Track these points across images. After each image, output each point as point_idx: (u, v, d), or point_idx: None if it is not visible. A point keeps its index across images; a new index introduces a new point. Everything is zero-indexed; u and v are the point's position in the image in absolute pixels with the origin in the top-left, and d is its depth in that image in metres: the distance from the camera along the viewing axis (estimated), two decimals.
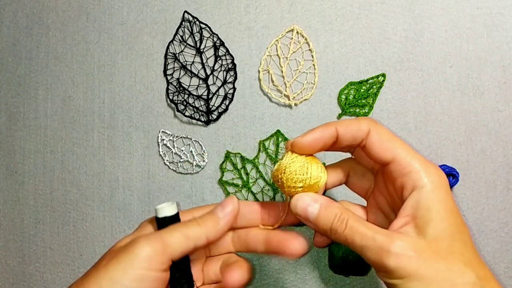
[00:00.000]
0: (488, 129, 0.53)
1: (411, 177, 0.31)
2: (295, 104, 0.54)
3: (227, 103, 0.54)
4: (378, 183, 0.35)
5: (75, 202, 0.55)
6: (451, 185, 0.51)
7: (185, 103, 0.54)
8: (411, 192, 0.31)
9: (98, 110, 0.56)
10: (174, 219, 0.33)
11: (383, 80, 0.54)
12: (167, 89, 0.55)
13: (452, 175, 0.51)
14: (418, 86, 0.54)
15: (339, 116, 0.54)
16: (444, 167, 0.52)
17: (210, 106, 0.54)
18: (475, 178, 0.52)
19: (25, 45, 0.58)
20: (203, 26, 0.55)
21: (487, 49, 0.54)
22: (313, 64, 0.54)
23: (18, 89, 0.57)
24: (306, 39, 0.55)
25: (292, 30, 0.55)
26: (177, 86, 0.55)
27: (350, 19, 0.55)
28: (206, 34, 0.55)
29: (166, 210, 0.33)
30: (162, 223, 0.33)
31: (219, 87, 0.55)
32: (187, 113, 0.54)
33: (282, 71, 0.54)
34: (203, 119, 0.54)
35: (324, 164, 0.35)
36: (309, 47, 0.54)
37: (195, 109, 0.54)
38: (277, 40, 0.55)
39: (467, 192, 0.52)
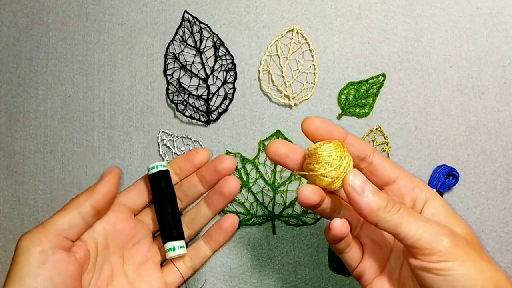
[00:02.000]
0: (488, 129, 0.53)
1: (421, 189, 0.33)
2: (295, 104, 0.54)
3: (227, 103, 0.54)
4: None
5: None
6: (451, 185, 0.51)
7: (185, 103, 0.54)
8: (424, 202, 0.32)
9: (98, 110, 0.56)
10: (163, 174, 0.36)
11: (383, 80, 0.54)
12: (167, 89, 0.55)
13: (452, 175, 0.51)
14: (418, 86, 0.54)
15: (339, 116, 0.54)
16: (444, 167, 0.52)
17: (210, 106, 0.54)
18: (475, 178, 0.52)
19: (25, 45, 0.58)
20: (203, 26, 0.55)
21: (487, 49, 0.54)
22: (313, 64, 0.54)
23: (18, 89, 0.57)
24: (306, 39, 0.55)
25: (292, 30, 0.55)
26: (177, 86, 0.55)
27: (350, 19, 0.55)
28: (206, 34, 0.55)
29: (156, 166, 0.36)
30: (154, 179, 0.36)
31: (219, 87, 0.55)
32: (187, 113, 0.54)
33: (282, 71, 0.54)
34: (203, 119, 0.54)
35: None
36: (309, 47, 0.54)
37: (195, 109, 0.54)
38: (277, 40, 0.55)
39: (467, 192, 0.52)
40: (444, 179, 0.51)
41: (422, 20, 0.55)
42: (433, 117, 0.53)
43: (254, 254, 0.52)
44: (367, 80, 0.54)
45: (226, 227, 0.38)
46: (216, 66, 0.55)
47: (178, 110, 0.54)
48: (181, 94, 0.54)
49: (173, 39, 0.55)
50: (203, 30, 0.55)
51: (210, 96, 0.54)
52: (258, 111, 0.54)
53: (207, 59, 0.55)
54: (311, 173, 0.32)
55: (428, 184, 0.52)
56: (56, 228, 0.31)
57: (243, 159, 0.53)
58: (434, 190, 0.50)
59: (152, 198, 0.37)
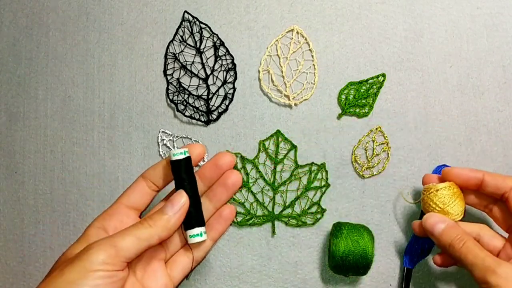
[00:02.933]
0: (488, 129, 0.53)
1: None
2: (295, 104, 0.54)
3: (227, 103, 0.54)
4: None
5: (75, 202, 0.55)
6: None
7: (185, 103, 0.54)
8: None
9: (98, 110, 0.56)
10: (186, 161, 0.38)
11: (383, 80, 0.54)
12: (167, 89, 0.55)
13: None
14: (418, 86, 0.54)
15: (339, 116, 0.54)
16: (444, 167, 0.52)
17: (210, 106, 0.54)
18: None
19: (25, 45, 0.58)
20: (203, 26, 0.55)
21: (487, 49, 0.54)
22: (313, 64, 0.54)
23: (18, 89, 0.57)
24: (306, 39, 0.55)
25: (292, 30, 0.55)
26: (177, 86, 0.55)
27: (350, 19, 0.55)
28: (206, 34, 0.55)
29: (178, 153, 0.37)
30: (176, 165, 0.38)
31: (219, 87, 0.55)
32: (187, 113, 0.54)
33: (282, 71, 0.54)
34: (203, 119, 0.54)
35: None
36: (309, 47, 0.54)
37: (195, 109, 0.54)
38: (277, 40, 0.55)
39: None
40: None
41: (422, 20, 0.55)
42: (433, 117, 0.53)
43: (254, 254, 0.52)
44: (367, 80, 0.54)
45: (226, 215, 0.41)
46: (216, 66, 0.55)
47: (178, 110, 0.54)
48: (181, 94, 0.54)
49: (173, 39, 0.55)
50: (203, 30, 0.55)
51: (210, 96, 0.54)
52: (258, 111, 0.54)
53: (207, 59, 0.55)
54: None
55: None
56: (125, 256, 0.33)
57: (243, 159, 0.53)
58: None
59: (175, 185, 0.38)
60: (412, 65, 0.54)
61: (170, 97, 0.54)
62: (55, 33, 0.58)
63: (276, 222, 0.53)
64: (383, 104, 0.54)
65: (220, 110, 0.54)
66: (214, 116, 0.54)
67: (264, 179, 0.53)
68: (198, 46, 0.55)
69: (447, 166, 0.52)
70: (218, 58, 0.55)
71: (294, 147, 0.53)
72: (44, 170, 0.56)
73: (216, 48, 0.55)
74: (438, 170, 0.52)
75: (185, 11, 0.55)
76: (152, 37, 0.56)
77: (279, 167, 0.53)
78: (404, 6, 0.55)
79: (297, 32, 0.55)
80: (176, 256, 0.40)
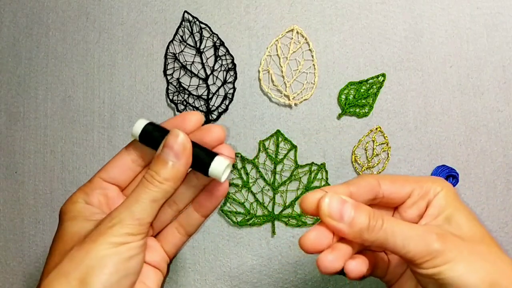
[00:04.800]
0: (488, 129, 0.53)
1: (431, 190, 0.32)
2: (295, 104, 0.54)
3: (227, 103, 0.54)
4: None
5: None
6: None
7: (185, 103, 0.54)
8: (432, 201, 0.32)
9: (98, 110, 0.56)
10: (151, 125, 0.32)
11: (383, 80, 0.54)
12: (167, 89, 0.55)
13: (452, 176, 0.51)
14: (418, 86, 0.54)
15: (339, 116, 0.54)
16: (444, 168, 0.52)
17: (210, 106, 0.54)
18: (475, 178, 0.52)
19: (25, 45, 0.58)
20: (203, 26, 0.55)
21: (487, 49, 0.54)
22: (313, 64, 0.54)
23: (18, 89, 0.57)
24: (306, 39, 0.55)
25: (292, 30, 0.55)
26: (177, 86, 0.55)
27: (350, 19, 0.55)
28: (206, 34, 0.55)
29: (138, 126, 0.32)
30: (146, 136, 0.32)
31: (219, 87, 0.55)
32: None
33: (282, 71, 0.54)
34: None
35: None
36: (309, 47, 0.54)
37: (195, 109, 0.54)
38: (277, 40, 0.55)
39: (467, 192, 0.52)
40: None
41: (422, 20, 0.55)
42: (433, 117, 0.53)
43: (254, 254, 0.52)
44: (367, 80, 0.54)
45: (217, 193, 0.35)
46: (216, 66, 0.55)
47: (178, 110, 0.54)
48: (181, 94, 0.54)
49: (173, 39, 0.55)
50: (203, 30, 0.55)
51: (210, 96, 0.54)
52: (258, 111, 0.54)
53: (207, 59, 0.55)
54: None
55: None
56: (147, 222, 0.31)
57: (243, 159, 0.53)
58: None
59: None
60: (412, 65, 0.54)
61: (170, 97, 0.54)
62: (55, 33, 0.58)
63: (276, 222, 0.53)
64: (383, 104, 0.54)
65: (220, 110, 0.54)
66: (214, 116, 0.54)
67: (264, 179, 0.53)
68: (198, 46, 0.55)
69: (447, 166, 0.52)
70: (218, 58, 0.55)
71: (294, 147, 0.53)
72: (44, 170, 0.56)
73: (216, 48, 0.55)
74: (438, 170, 0.52)
75: (185, 11, 0.55)
76: (152, 37, 0.56)
77: (279, 167, 0.53)
78: (404, 6, 0.55)
79: (297, 32, 0.55)
80: (166, 231, 0.36)
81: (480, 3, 0.55)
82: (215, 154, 0.32)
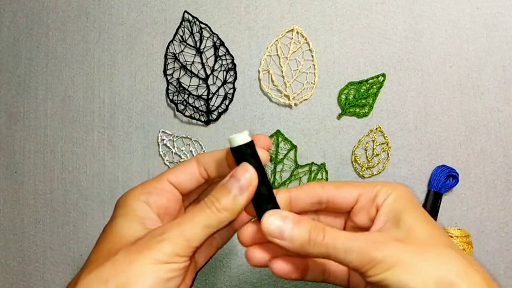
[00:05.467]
0: (488, 129, 0.53)
1: (381, 194, 0.32)
2: (295, 104, 0.54)
3: (227, 103, 0.54)
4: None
5: (75, 202, 0.55)
6: (451, 186, 0.51)
7: (185, 103, 0.54)
8: (381, 205, 0.32)
9: (98, 110, 0.56)
10: (249, 146, 0.31)
11: (383, 80, 0.54)
12: (167, 89, 0.55)
13: (452, 176, 0.51)
14: (418, 86, 0.54)
15: (339, 116, 0.54)
16: (443, 168, 0.52)
17: (210, 106, 0.54)
18: (475, 178, 0.52)
19: (25, 45, 0.58)
20: (203, 26, 0.55)
21: (487, 49, 0.54)
22: (313, 64, 0.54)
23: (18, 89, 0.57)
24: (306, 39, 0.55)
25: (292, 30, 0.55)
26: (177, 86, 0.55)
27: (350, 19, 0.55)
28: (206, 34, 0.55)
29: (240, 139, 0.31)
30: (239, 152, 0.31)
31: (219, 87, 0.55)
32: (187, 113, 0.54)
33: (282, 71, 0.54)
34: (203, 119, 0.54)
35: None
36: (309, 47, 0.54)
37: (195, 109, 0.54)
38: (277, 40, 0.55)
39: (467, 192, 0.52)
40: (444, 180, 0.51)
41: (422, 20, 0.55)
42: (433, 117, 0.53)
43: None
44: (367, 80, 0.54)
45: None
46: (216, 66, 0.55)
47: (178, 110, 0.54)
48: (181, 94, 0.54)
49: (173, 39, 0.55)
50: (203, 30, 0.55)
51: (210, 96, 0.54)
52: (258, 111, 0.54)
53: (207, 59, 0.55)
54: None
55: (429, 185, 0.52)
56: (195, 246, 0.31)
57: None
58: (432, 191, 0.51)
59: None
60: (412, 65, 0.54)
61: (170, 97, 0.54)
62: (55, 33, 0.58)
63: None
64: (383, 104, 0.54)
65: (220, 110, 0.54)
66: (214, 116, 0.54)
67: None
68: (198, 46, 0.55)
69: (447, 166, 0.52)
70: (218, 58, 0.55)
71: (294, 147, 0.53)
72: (44, 170, 0.56)
73: (216, 48, 0.55)
74: (438, 170, 0.52)
75: (185, 11, 0.55)
76: (152, 37, 0.56)
77: (279, 167, 0.53)
78: (404, 6, 0.55)
79: (297, 32, 0.55)
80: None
81: (480, 3, 0.55)
82: (271, 202, 0.32)
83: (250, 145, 0.32)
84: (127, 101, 0.55)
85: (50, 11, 0.58)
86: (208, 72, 0.55)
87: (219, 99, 0.54)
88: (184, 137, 0.54)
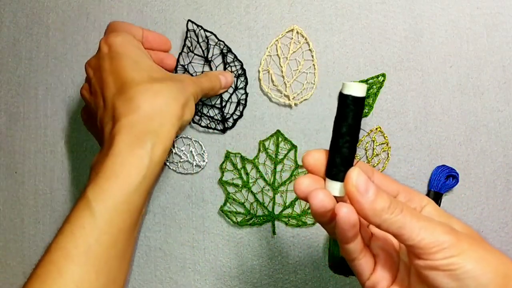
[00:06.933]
0: (488, 129, 0.53)
1: (415, 199, 0.33)
2: (295, 104, 0.54)
3: (241, 109, 0.54)
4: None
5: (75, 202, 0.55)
6: (451, 186, 0.51)
7: (200, 114, 0.53)
8: (420, 210, 0.33)
9: None
10: (360, 104, 0.29)
11: (383, 80, 0.54)
12: None
13: (452, 176, 0.51)
14: (418, 86, 0.54)
15: None
16: (444, 168, 0.52)
17: (225, 114, 0.54)
18: (475, 178, 0.53)
19: (25, 45, 0.58)
20: (208, 34, 0.54)
21: (487, 49, 0.54)
22: (313, 64, 0.54)
23: (18, 89, 0.57)
24: (306, 39, 0.55)
25: (292, 30, 0.55)
26: None
27: (350, 19, 0.55)
28: (212, 42, 0.54)
29: (355, 89, 0.29)
30: (345, 102, 0.30)
31: (231, 94, 0.54)
32: (203, 123, 0.53)
33: (282, 71, 0.54)
34: (219, 128, 0.53)
35: None
36: (309, 47, 0.54)
37: (210, 119, 0.54)
38: (277, 40, 0.55)
39: (467, 192, 0.52)
40: (444, 180, 0.51)
41: (422, 20, 0.55)
42: (433, 117, 0.53)
43: (254, 254, 0.53)
44: (367, 80, 0.54)
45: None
46: None
47: (194, 122, 0.54)
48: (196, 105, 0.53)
49: (182, 50, 0.54)
50: (209, 38, 0.54)
51: (223, 104, 0.54)
52: (258, 111, 0.54)
53: (216, 67, 0.54)
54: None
55: (429, 185, 0.52)
56: (202, 94, 0.49)
57: (243, 159, 0.53)
58: (432, 191, 0.51)
59: (338, 126, 0.32)
60: (412, 65, 0.54)
61: None
62: (55, 33, 0.58)
63: (276, 222, 0.53)
64: (383, 104, 0.54)
65: (235, 116, 0.53)
66: (230, 124, 0.53)
67: (264, 179, 0.53)
68: (206, 55, 0.54)
69: (447, 166, 0.52)
70: (227, 65, 0.54)
71: (294, 147, 0.53)
72: (44, 170, 0.56)
73: (223, 55, 0.54)
74: (438, 170, 0.52)
75: (189, 20, 0.54)
76: None
77: (279, 167, 0.53)
78: (404, 6, 0.55)
79: (297, 32, 0.55)
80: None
81: (480, 3, 0.55)
82: (336, 179, 0.31)
83: (363, 100, 0.30)
84: None
85: (50, 11, 0.58)
86: None
87: (233, 106, 0.54)
88: (184, 137, 0.54)
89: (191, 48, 0.54)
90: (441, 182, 0.51)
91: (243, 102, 0.54)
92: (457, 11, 0.55)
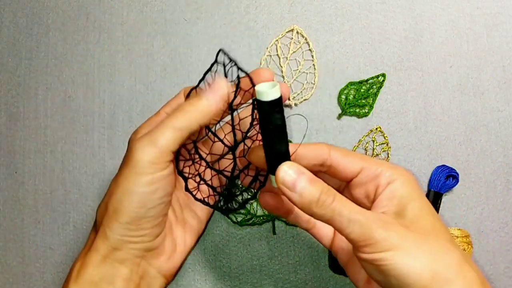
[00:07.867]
0: (488, 129, 0.53)
1: (384, 175, 0.32)
2: (295, 104, 0.54)
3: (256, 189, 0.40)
4: None
5: (75, 202, 0.55)
6: (451, 186, 0.51)
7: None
8: (384, 188, 0.32)
9: (98, 110, 0.56)
10: (276, 105, 0.29)
11: (383, 80, 0.54)
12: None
13: (452, 176, 0.51)
14: (418, 86, 0.54)
15: (339, 116, 0.54)
16: (443, 168, 0.52)
17: (233, 190, 0.39)
18: (475, 178, 0.52)
19: (25, 45, 0.58)
20: (241, 74, 0.34)
21: (487, 49, 0.54)
22: (313, 64, 0.54)
23: (18, 89, 0.57)
24: (306, 39, 0.55)
25: (292, 30, 0.55)
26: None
27: (350, 19, 0.55)
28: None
29: (269, 93, 0.29)
30: (262, 107, 0.30)
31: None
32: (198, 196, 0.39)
33: (282, 71, 0.54)
34: (219, 205, 0.40)
35: None
36: (309, 47, 0.54)
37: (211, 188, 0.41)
38: (277, 40, 0.55)
39: (467, 192, 0.52)
40: (444, 180, 0.51)
41: (422, 20, 0.55)
42: (433, 117, 0.53)
43: (254, 254, 0.53)
44: (367, 80, 0.54)
45: None
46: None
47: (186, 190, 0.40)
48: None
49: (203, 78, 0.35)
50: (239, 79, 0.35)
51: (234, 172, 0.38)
52: None
53: (240, 120, 0.36)
54: None
55: (429, 185, 0.52)
56: (169, 151, 0.32)
57: None
58: (432, 191, 0.51)
59: (262, 128, 0.31)
60: (412, 65, 0.54)
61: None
62: (55, 33, 0.58)
63: (276, 222, 0.53)
64: (383, 104, 0.54)
65: (245, 195, 0.38)
66: (235, 206, 0.39)
67: None
68: (230, 102, 0.35)
69: (447, 166, 0.52)
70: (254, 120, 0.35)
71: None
72: (44, 170, 0.56)
73: (254, 109, 0.34)
74: (438, 170, 0.52)
75: (221, 49, 0.34)
76: (152, 37, 0.56)
77: None
78: (404, 6, 0.55)
79: (297, 32, 0.55)
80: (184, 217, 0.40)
81: (480, 3, 0.55)
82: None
83: (278, 102, 0.30)
84: (127, 101, 0.55)
85: (50, 11, 0.58)
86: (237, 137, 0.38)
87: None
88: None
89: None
90: (441, 182, 0.51)
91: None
92: (457, 11, 0.55)
